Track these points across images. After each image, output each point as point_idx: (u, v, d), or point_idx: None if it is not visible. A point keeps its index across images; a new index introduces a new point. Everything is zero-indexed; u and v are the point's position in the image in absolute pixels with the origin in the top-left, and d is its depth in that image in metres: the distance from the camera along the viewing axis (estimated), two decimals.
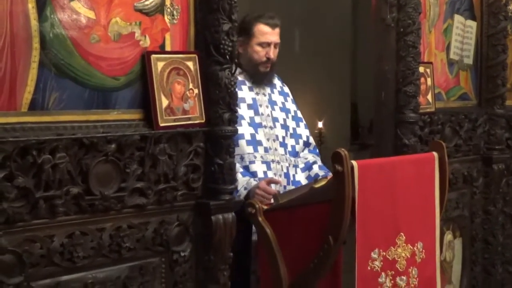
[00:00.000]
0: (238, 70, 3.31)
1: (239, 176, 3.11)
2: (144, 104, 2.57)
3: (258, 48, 3.31)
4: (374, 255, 2.75)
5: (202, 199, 2.72)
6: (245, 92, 3.32)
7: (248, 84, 3.36)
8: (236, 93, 2.76)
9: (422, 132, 3.84)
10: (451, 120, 4.10)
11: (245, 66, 3.35)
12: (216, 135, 2.72)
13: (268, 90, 3.43)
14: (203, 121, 2.72)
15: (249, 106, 3.32)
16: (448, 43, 4.13)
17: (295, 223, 2.87)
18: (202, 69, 2.71)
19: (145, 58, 2.55)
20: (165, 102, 2.60)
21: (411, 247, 2.90)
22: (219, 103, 2.72)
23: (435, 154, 2.99)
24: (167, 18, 2.57)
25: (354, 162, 2.63)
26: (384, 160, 3.04)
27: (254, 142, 3.26)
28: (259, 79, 3.38)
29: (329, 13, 7.21)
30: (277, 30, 3.33)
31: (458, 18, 4.19)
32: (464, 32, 4.25)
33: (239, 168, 3.16)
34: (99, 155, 2.40)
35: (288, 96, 3.55)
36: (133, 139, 2.48)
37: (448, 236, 4.09)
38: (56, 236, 2.31)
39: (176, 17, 2.41)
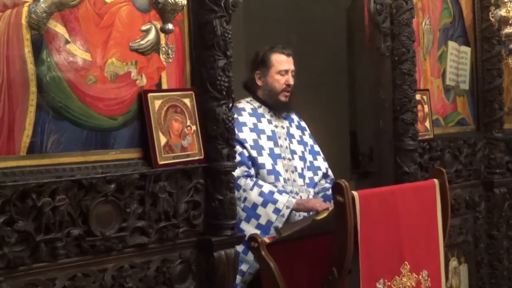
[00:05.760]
0: (257, 103, 3.39)
1: (276, 195, 3.17)
2: (142, 143, 2.58)
3: (278, 77, 3.37)
4: (379, 285, 2.73)
5: (204, 236, 2.72)
6: (264, 124, 3.37)
7: (267, 117, 3.41)
8: (233, 128, 2.78)
9: (421, 159, 3.84)
10: (450, 146, 4.11)
11: (265, 97, 3.41)
12: (215, 171, 2.72)
13: (286, 123, 3.48)
14: (202, 157, 2.72)
15: (269, 138, 3.36)
16: (443, 70, 4.16)
17: (298, 256, 2.85)
18: (199, 106, 2.73)
19: (142, 97, 2.57)
20: (163, 140, 2.60)
21: (416, 276, 2.87)
22: (218, 138, 2.73)
23: (435, 181, 2.98)
24: (162, 57, 2.59)
25: (355, 193, 2.62)
26: (384, 189, 3.03)
27: (275, 172, 3.28)
28: (280, 109, 3.44)
29: (325, 43, 7.25)
30: (291, 58, 3.43)
31: (452, 44, 4.23)
32: (458, 58, 4.28)
33: (273, 187, 3.20)
34: (99, 195, 2.40)
35: (306, 130, 3.60)
36: (132, 178, 2.49)
37: (453, 263, 4.06)
38: (58, 279, 2.30)
39: (171, 56, 2.43)
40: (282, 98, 3.40)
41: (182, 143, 2.67)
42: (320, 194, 3.41)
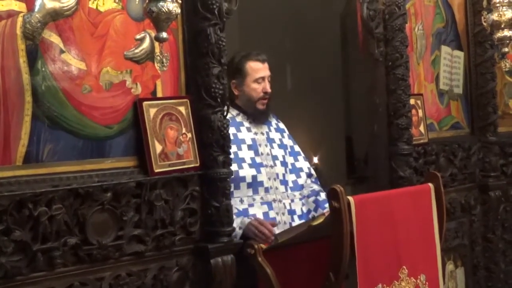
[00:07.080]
0: (236, 111, 3.35)
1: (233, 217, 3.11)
2: (138, 151, 2.59)
3: (255, 85, 3.33)
4: None
5: (200, 243, 2.72)
6: (244, 133, 3.33)
7: (246, 124, 3.37)
8: (229, 135, 2.78)
9: (416, 164, 3.86)
10: (444, 150, 4.12)
11: (244, 106, 3.37)
12: (211, 178, 2.73)
13: (265, 128, 3.45)
14: (197, 164, 2.73)
15: (249, 147, 3.32)
16: (437, 74, 4.18)
17: (295, 262, 2.85)
18: (194, 113, 2.74)
19: (137, 106, 2.58)
20: (159, 148, 2.61)
21: (414, 280, 2.88)
22: (213, 146, 2.73)
23: (430, 185, 2.99)
24: (157, 66, 2.60)
25: (350, 198, 2.62)
26: (380, 194, 3.03)
27: (255, 184, 3.24)
28: (258, 117, 3.39)
29: (320, 49, 7.27)
30: (266, 64, 3.38)
31: (445, 49, 4.25)
32: (452, 63, 4.30)
33: (234, 209, 3.15)
34: (95, 204, 2.40)
35: (284, 132, 3.56)
36: (128, 187, 2.49)
37: (450, 266, 4.07)
38: None
39: (165, 64, 2.44)
40: (260, 106, 3.35)
41: (178, 151, 2.68)
42: (311, 199, 3.39)
